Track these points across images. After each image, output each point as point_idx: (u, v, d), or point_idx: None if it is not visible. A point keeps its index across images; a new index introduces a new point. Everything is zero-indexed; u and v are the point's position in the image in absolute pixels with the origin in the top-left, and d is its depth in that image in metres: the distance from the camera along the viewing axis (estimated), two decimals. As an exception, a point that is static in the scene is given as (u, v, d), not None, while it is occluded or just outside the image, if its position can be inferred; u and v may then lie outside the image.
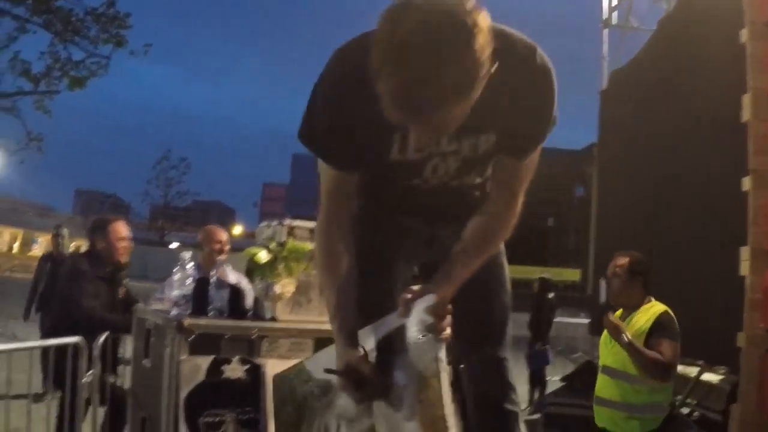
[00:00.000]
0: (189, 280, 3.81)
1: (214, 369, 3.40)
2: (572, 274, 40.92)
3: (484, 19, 1.66)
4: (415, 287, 2.00)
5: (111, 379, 4.60)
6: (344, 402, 2.09)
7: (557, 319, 13.21)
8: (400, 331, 2.00)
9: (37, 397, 4.92)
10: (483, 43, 1.65)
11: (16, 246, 46.90)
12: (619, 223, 9.10)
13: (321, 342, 3.67)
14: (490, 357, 2.52)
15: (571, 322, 19.47)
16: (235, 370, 3.45)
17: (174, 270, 4.13)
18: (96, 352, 4.28)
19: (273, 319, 3.74)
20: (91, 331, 4.38)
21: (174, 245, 55.74)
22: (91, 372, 4.25)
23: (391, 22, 1.67)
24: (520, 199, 2.19)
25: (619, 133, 9.23)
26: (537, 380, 10.18)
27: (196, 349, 3.39)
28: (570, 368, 11.33)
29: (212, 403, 3.38)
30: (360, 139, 2.05)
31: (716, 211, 5.18)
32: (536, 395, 9.85)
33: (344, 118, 2.03)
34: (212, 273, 4.49)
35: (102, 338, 4.36)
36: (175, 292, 3.84)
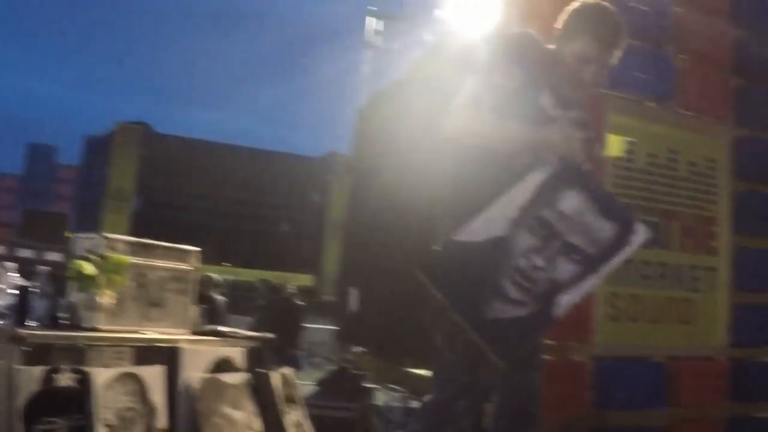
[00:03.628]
0: (12, 290, 3.84)
1: (47, 378, 3.50)
2: (305, 280, 41.62)
3: None
4: None
5: None
6: None
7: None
8: None
9: None
10: None
11: None
12: (369, 233, 9.55)
13: (140, 350, 3.94)
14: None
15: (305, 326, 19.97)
16: (66, 378, 3.56)
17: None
18: None
19: (94, 329, 3.89)
20: None
21: None
22: None
23: None
24: None
25: (374, 149, 9.68)
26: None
27: (28, 359, 3.48)
28: (309, 372, 11.75)
29: (46, 411, 3.45)
30: None
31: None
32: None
33: None
34: None
35: None
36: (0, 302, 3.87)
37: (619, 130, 5.30)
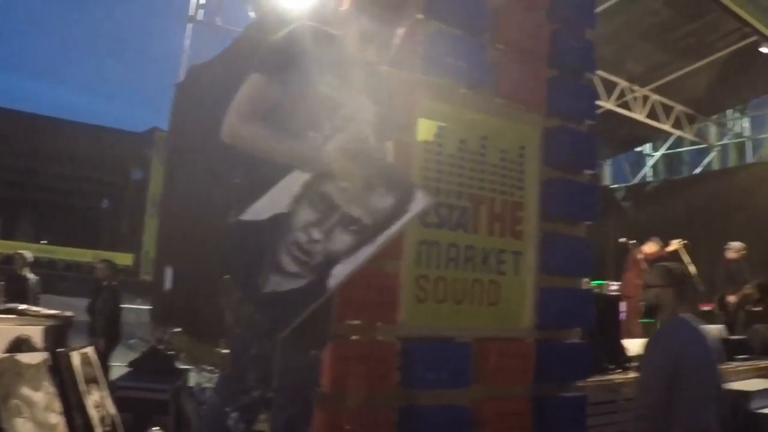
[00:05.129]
0: None
1: None
2: (125, 259, 40.56)
3: None
4: None
5: None
6: None
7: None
8: None
9: None
10: None
11: None
12: (184, 211, 9.39)
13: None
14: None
15: (125, 307, 19.54)
16: None
17: None
18: None
19: None
20: None
21: None
22: None
23: None
24: None
25: (192, 125, 9.51)
26: (101, 366, 10.20)
27: None
28: (126, 353, 11.49)
29: None
30: None
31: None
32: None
33: None
34: None
35: None
36: None
37: (430, 115, 5.38)
